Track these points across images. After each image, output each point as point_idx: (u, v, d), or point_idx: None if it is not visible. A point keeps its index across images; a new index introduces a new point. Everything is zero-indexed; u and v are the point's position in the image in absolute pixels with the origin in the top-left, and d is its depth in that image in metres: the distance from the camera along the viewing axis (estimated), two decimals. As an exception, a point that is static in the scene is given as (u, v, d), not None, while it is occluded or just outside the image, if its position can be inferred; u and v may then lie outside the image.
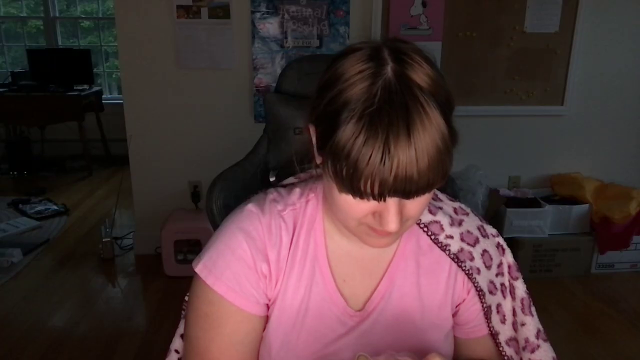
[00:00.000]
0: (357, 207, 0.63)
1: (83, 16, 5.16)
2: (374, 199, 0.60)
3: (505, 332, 0.84)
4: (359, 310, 0.77)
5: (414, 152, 0.56)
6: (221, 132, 2.80)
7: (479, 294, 0.81)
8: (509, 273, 0.85)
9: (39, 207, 3.61)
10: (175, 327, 0.91)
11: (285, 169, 1.12)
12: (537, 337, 0.84)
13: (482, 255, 0.81)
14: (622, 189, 2.75)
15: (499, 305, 0.84)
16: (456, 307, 0.83)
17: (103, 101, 4.79)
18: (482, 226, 0.84)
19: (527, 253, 2.68)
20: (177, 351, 0.90)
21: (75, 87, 4.46)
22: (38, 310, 2.41)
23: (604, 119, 2.94)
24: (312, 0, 2.63)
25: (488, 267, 0.82)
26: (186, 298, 0.83)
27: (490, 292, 0.82)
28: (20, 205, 3.64)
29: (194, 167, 2.86)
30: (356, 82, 0.59)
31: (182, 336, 0.89)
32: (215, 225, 0.97)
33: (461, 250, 0.80)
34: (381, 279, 0.78)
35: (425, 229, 0.81)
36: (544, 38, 2.73)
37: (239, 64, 2.72)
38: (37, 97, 4.23)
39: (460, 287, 0.81)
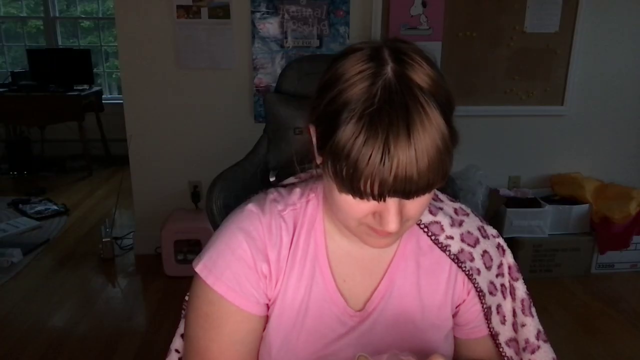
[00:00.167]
0: (357, 207, 0.63)
1: (83, 16, 5.16)
2: (374, 199, 0.60)
3: (505, 332, 0.84)
4: (359, 311, 0.77)
5: (413, 152, 0.56)
6: (221, 132, 2.80)
7: (479, 295, 0.81)
8: (509, 274, 0.85)
9: (39, 207, 3.61)
10: (176, 327, 0.91)
11: (285, 169, 1.12)
12: (538, 338, 0.84)
13: (483, 256, 0.81)
14: (622, 189, 2.75)
15: (499, 306, 0.84)
16: (456, 307, 0.83)
17: (103, 101, 4.79)
18: (482, 227, 0.84)
19: (527, 253, 2.68)
20: (177, 351, 0.90)
21: (75, 87, 4.46)
22: (38, 310, 2.41)
23: (604, 119, 2.94)
24: (312, 0, 2.63)
25: (488, 268, 0.82)
26: (186, 298, 0.83)
27: (491, 293, 0.82)
28: (20, 205, 3.64)
29: (194, 167, 2.86)
30: (356, 82, 0.59)
31: (182, 336, 0.88)
32: (215, 225, 0.97)
33: (461, 251, 0.80)
34: (381, 279, 0.78)
35: (426, 230, 0.81)
36: (544, 38, 2.73)
37: (239, 64, 2.72)
38: (37, 97, 4.23)
39: (460, 288, 0.81)
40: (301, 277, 0.75)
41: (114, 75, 5.25)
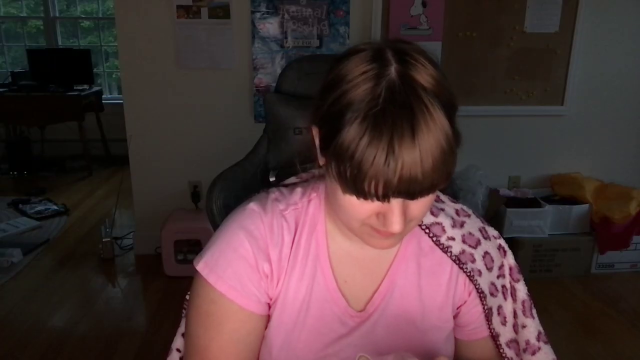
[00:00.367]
0: (360, 208, 0.63)
1: (83, 16, 5.16)
2: (378, 199, 0.60)
3: (505, 334, 0.84)
4: (360, 311, 0.77)
5: (418, 152, 0.56)
6: (221, 132, 2.80)
7: (480, 296, 0.81)
8: (510, 275, 0.85)
9: (39, 207, 3.61)
10: (176, 326, 0.91)
11: (285, 169, 1.12)
12: (538, 339, 0.84)
13: (484, 257, 0.81)
14: (622, 189, 2.75)
15: (499, 307, 0.84)
16: (457, 308, 0.83)
17: (103, 101, 4.79)
18: (483, 228, 0.84)
19: (527, 253, 2.68)
20: (178, 350, 0.90)
21: (75, 87, 4.46)
22: (38, 310, 2.41)
23: (604, 119, 2.94)
24: (312, 0, 2.63)
25: (489, 269, 0.82)
26: (187, 297, 0.83)
27: (491, 294, 0.82)
28: (20, 205, 3.64)
29: (194, 167, 2.86)
30: (360, 83, 0.59)
31: (183, 335, 0.88)
32: (215, 225, 0.97)
33: (463, 252, 0.80)
34: (382, 280, 0.78)
35: (427, 231, 0.80)
36: (544, 38, 2.73)
37: (239, 64, 2.72)
38: (37, 97, 4.23)
39: (461, 289, 0.81)
40: (302, 277, 0.75)
41: (114, 75, 5.25)
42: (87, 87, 4.54)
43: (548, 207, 2.71)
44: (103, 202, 3.86)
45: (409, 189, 0.59)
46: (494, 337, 0.84)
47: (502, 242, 0.85)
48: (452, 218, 0.82)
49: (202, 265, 0.74)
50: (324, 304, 0.75)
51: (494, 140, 2.90)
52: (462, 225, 0.82)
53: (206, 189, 1.00)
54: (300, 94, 1.11)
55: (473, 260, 0.80)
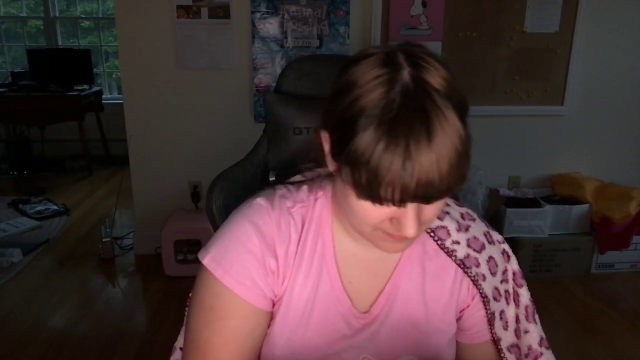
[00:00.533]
0: (374, 213, 0.63)
1: (83, 16, 5.17)
2: (394, 205, 0.60)
3: (507, 338, 0.84)
4: (364, 312, 0.77)
5: (434, 156, 0.56)
6: (221, 132, 2.80)
7: (483, 301, 0.81)
8: (513, 280, 0.85)
9: (39, 207, 3.61)
10: (177, 326, 0.91)
11: (286, 169, 1.12)
12: (540, 344, 0.84)
13: (488, 261, 0.81)
14: (622, 189, 2.75)
15: (502, 312, 0.84)
16: (460, 312, 0.83)
17: (103, 101, 4.79)
18: (488, 232, 0.84)
19: (527, 253, 2.68)
20: (182, 349, 0.90)
21: (75, 87, 4.46)
22: (38, 310, 2.41)
23: (604, 119, 2.94)
24: (312, 0, 2.63)
25: (493, 274, 0.82)
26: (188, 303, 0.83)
27: (495, 299, 0.82)
28: (20, 205, 3.64)
29: (194, 167, 2.86)
30: (372, 88, 0.59)
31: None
32: (215, 225, 0.97)
33: (467, 256, 0.80)
34: (387, 282, 0.78)
35: (432, 234, 0.80)
36: (544, 38, 2.73)
37: (239, 64, 2.72)
38: (37, 97, 4.23)
39: (465, 293, 0.81)
40: (308, 275, 0.75)
41: (114, 75, 5.25)
42: (87, 87, 4.55)
43: (548, 207, 2.71)
44: (103, 202, 3.86)
45: (426, 194, 0.58)
46: (496, 341, 0.84)
47: (506, 246, 0.85)
48: (458, 222, 0.82)
49: (208, 260, 0.73)
50: (328, 303, 0.75)
51: (494, 140, 2.90)
52: (467, 229, 0.82)
53: (206, 189, 1.00)
54: (300, 94, 1.11)
55: (477, 265, 0.80)
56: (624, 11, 2.78)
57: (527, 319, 0.84)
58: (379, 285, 0.78)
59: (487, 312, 0.82)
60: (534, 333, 0.84)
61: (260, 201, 0.76)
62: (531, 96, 2.82)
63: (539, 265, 2.72)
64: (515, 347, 0.85)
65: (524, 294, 0.85)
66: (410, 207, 0.61)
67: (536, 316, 0.85)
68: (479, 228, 0.83)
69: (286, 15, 2.64)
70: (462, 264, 0.80)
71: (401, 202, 0.59)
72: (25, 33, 5.13)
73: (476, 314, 0.82)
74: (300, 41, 2.68)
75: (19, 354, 2.09)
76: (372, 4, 2.65)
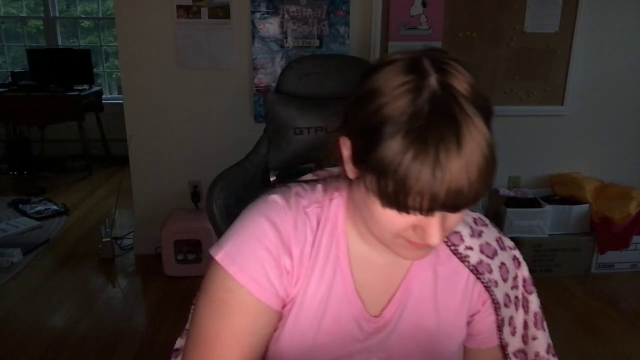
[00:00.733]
0: (398, 221, 0.62)
1: (83, 16, 5.17)
2: (422, 214, 0.59)
3: (514, 344, 0.84)
4: (376, 316, 0.76)
5: (464, 164, 0.55)
6: (221, 132, 2.80)
7: (495, 307, 0.80)
8: (523, 287, 0.85)
9: (39, 207, 3.61)
10: (177, 325, 0.91)
11: (286, 169, 1.12)
12: (548, 352, 0.84)
13: (500, 268, 0.81)
14: (622, 189, 2.75)
15: (511, 318, 0.84)
16: (470, 317, 0.83)
17: (103, 101, 4.79)
18: (500, 238, 0.84)
19: (527, 253, 2.68)
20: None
21: (75, 87, 4.46)
22: (38, 310, 2.41)
23: (604, 119, 2.94)
24: (312, 0, 2.63)
25: (505, 280, 0.81)
26: (194, 302, 0.82)
27: (505, 305, 0.82)
28: (20, 205, 3.64)
29: (194, 167, 2.86)
30: (398, 95, 0.58)
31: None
32: (216, 225, 0.97)
33: (480, 262, 0.80)
34: (398, 286, 0.78)
35: (445, 239, 0.79)
36: (544, 38, 2.73)
37: (239, 64, 2.72)
38: (37, 97, 4.23)
39: (476, 299, 0.81)
40: (322, 277, 0.74)
41: (114, 75, 5.25)
42: (87, 87, 4.55)
43: (548, 207, 2.71)
44: (103, 202, 3.86)
45: (455, 202, 0.57)
46: (503, 347, 0.84)
47: (517, 253, 0.85)
48: (471, 227, 0.82)
49: (222, 255, 0.71)
50: (341, 305, 0.74)
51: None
52: (480, 234, 0.81)
53: (206, 189, 1.00)
54: (301, 94, 1.11)
55: (490, 271, 0.80)
56: (624, 11, 2.78)
57: (535, 326, 0.84)
58: (391, 290, 0.78)
59: (497, 319, 0.81)
60: (542, 340, 0.84)
61: (276, 198, 0.74)
62: (531, 96, 2.82)
63: (539, 265, 2.72)
64: (521, 353, 0.85)
65: (534, 301, 0.85)
66: (436, 216, 0.60)
67: (544, 323, 0.85)
68: (491, 234, 0.83)
69: (286, 15, 2.64)
70: (476, 270, 0.79)
71: (429, 211, 0.58)
72: (25, 33, 5.13)
73: (486, 320, 0.82)
74: (300, 41, 2.68)
75: (19, 354, 2.09)
76: (372, 4, 2.65)
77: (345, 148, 0.66)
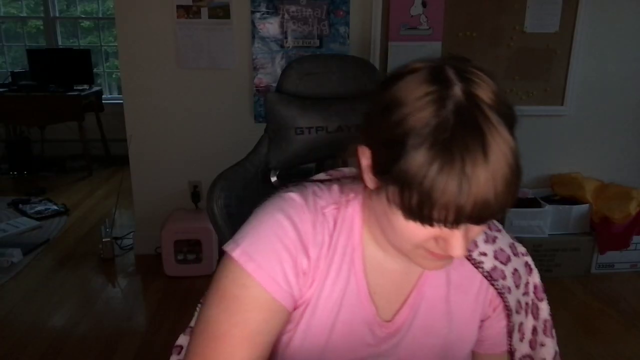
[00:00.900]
0: (420, 232, 0.60)
1: (83, 16, 5.16)
2: (446, 226, 0.58)
3: (521, 349, 0.84)
4: (388, 321, 0.76)
5: (491, 175, 0.54)
6: (221, 132, 2.80)
7: (507, 313, 0.80)
8: (534, 293, 0.85)
9: (39, 207, 3.61)
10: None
11: (287, 169, 1.12)
12: (554, 359, 0.85)
13: (513, 274, 0.81)
14: (622, 189, 2.75)
15: (521, 324, 0.83)
16: (480, 322, 0.83)
17: (103, 101, 4.79)
18: (513, 244, 0.84)
19: (527, 253, 2.68)
20: (181, 346, 0.89)
21: (75, 87, 4.46)
22: (38, 310, 2.41)
23: (604, 119, 2.94)
24: (312, 0, 2.63)
25: (517, 286, 0.81)
26: (201, 301, 0.81)
27: (516, 312, 0.82)
28: (20, 205, 3.64)
29: (194, 167, 2.86)
30: (422, 106, 0.56)
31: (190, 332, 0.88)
32: (216, 225, 0.97)
33: (494, 268, 0.79)
34: (411, 292, 0.77)
35: None
36: (544, 38, 2.73)
37: (239, 64, 2.72)
38: (37, 97, 4.23)
39: (487, 304, 0.81)
40: (337, 281, 0.73)
41: (114, 75, 5.25)
42: (87, 87, 4.54)
43: (548, 207, 2.71)
44: (103, 202, 3.86)
45: (480, 214, 0.56)
46: (511, 352, 0.84)
47: (528, 259, 0.85)
48: (485, 232, 0.81)
49: (239, 252, 0.69)
50: (354, 309, 0.73)
51: (494, 140, 2.89)
52: (494, 240, 0.81)
53: (206, 189, 1.00)
54: (301, 94, 1.11)
55: (504, 277, 0.79)
56: (624, 11, 2.77)
57: (544, 333, 0.84)
58: (403, 295, 0.77)
59: (509, 325, 0.81)
60: (549, 347, 0.84)
61: (294, 196, 0.73)
62: (531, 96, 2.82)
63: (539, 265, 2.67)
64: (527, 358, 0.85)
65: (544, 308, 0.84)
66: (460, 228, 0.59)
67: (553, 331, 0.85)
68: (505, 239, 0.83)
69: (286, 15, 2.64)
70: (490, 277, 0.79)
71: (454, 223, 0.57)
72: (25, 33, 5.13)
73: (496, 325, 0.82)
74: (300, 41, 2.68)
75: (19, 354, 2.09)
76: (372, 4, 2.65)
77: (365, 158, 0.65)
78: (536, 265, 0.87)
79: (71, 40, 5.16)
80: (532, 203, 2.74)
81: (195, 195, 2.87)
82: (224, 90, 2.76)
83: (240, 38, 2.68)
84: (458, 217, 0.56)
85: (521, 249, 0.85)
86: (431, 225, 0.58)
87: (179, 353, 0.89)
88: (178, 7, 2.61)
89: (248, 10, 2.64)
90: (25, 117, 4.32)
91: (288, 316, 0.71)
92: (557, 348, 0.85)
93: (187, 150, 2.84)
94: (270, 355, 0.71)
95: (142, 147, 2.81)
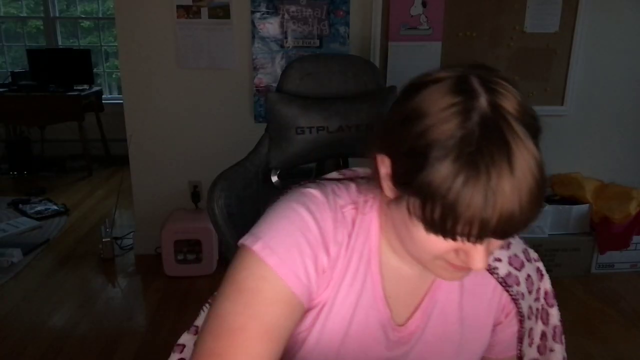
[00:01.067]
0: (441, 245, 0.59)
1: (83, 16, 5.16)
2: (469, 241, 0.57)
3: (529, 354, 0.84)
4: (401, 325, 0.75)
5: (517, 189, 0.53)
6: (221, 132, 2.80)
7: (520, 320, 0.80)
8: (545, 299, 0.85)
9: (39, 207, 3.61)
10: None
11: (288, 168, 1.12)
12: None
13: (527, 280, 0.80)
14: (622, 189, 2.75)
15: (531, 330, 0.83)
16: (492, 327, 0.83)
17: (103, 101, 4.79)
18: (526, 250, 0.83)
19: (527, 253, 2.68)
20: (182, 345, 0.89)
21: (75, 87, 4.46)
22: (38, 310, 2.41)
23: (604, 119, 2.94)
24: (312, 0, 2.63)
25: (530, 292, 0.81)
26: (210, 301, 0.80)
27: (528, 317, 0.82)
28: (20, 205, 3.64)
29: (194, 167, 2.86)
30: (447, 117, 0.55)
31: (194, 331, 0.88)
32: (217, 224, 0.97)
33: (509, 274, 0.79)
34: (424, 297, 0.77)
35: None
36: (544, 38, 2.74)
37: (239, 64, 2.72)
38: (37, 97, 4.23)
39: (500, 310, 0.81)
40: (353, 282, 0.71)
41: (114, 75, 5.25)
42: (87, 87, 4.54)
43: (548, 207, 2.71)
44: (103, 202, 3.86)
45: (505, 229, 0.55)
46: (520, 357, 0.84)
47: (540, 265, 0.84)
48: None
49: (260, 245, 0.66)
50: (369, 312, 0.73)
51: (494, 140, 2.90)
52: (508, 246, 0.81)
53: (206, 189, 1.00)
54: (302, 94, 1.11)
55: (518, 283, 0.79)
56: (624, 11, 2.78)
57: (554, 339, 0.84)
58: (417, 300, 0.76)
59: (521, 330, 0.81)
60: (558, 353, 0.84)
61: (315, 192, 0.71)
62: (531, 96, 2.82)
63: (539, 265, 2.71)
64: None
65: (554, 314, 0.85)
66: (483, 242, 0.58)
67: (563, 337, 0.85)
68: (518, 245, 0.82)
69: (286, 15, 2.64)
70: (504, 282, 0.78)
71: (478, 238, 0.56)
72: (25, 33, 5.13)
73: (507, 330, 0.82)
74: (300, 41, 2.68)
75: (19, 354, 2.09)
76: (372, 4, 2.65)
77: (384, 166, 0.64)
78: (537, 266, 0.87)
79: (71, 40, 5.16)
80: (532, 203, 2.74)
81: (195, 195, 2.87)
82: (224, 90, 2.76)
83: (240, 38, 2.68)
84: (482, 232, 0.55)
85: (533, 254, 0.84)
86: (454, 239, 0.57)
87: (181, 351, 0.88)
88: (178, 7, 2.61)
89: (248, 10, 2.64)
90: (25, 117, 4.32)
91: (303, 313, 0.69)
92: (565, 354, 0.85)
93: (187, 150, 2.84)
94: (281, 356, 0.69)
95: (142, 147, 2.81)
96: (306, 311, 0.70)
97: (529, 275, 0.81)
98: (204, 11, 2.63)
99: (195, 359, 0.64)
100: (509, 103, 0.56)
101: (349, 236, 0.71)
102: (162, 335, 2.21)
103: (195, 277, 2.67)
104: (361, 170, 0.79)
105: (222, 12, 2.64)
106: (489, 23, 2.70)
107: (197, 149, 2.83)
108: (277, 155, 1.09)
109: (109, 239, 2.91)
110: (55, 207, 3.63)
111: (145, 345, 2.16)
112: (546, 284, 0.85)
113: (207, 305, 0.88)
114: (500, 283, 0.78)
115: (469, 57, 2.74)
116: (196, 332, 0.89)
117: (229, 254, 1.00)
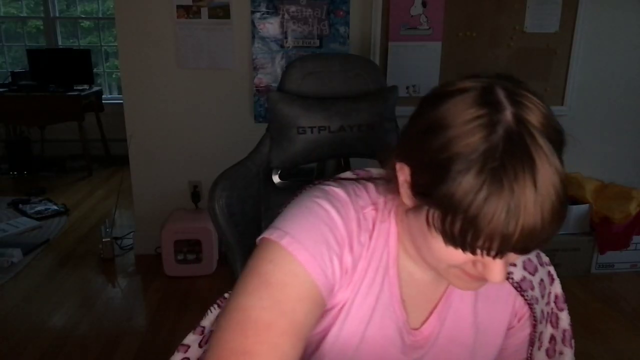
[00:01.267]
0: (458, 257, 0.58)
1: (83, 16, 5.16)
2: (489, 255, 0.56)
3: (538, 357, 0.84)
4: (415, 329, 0.75)
5: (539, 205, 0.52)
6: (221, 132, 2.80)
7: (534, 323, 0.80)
8: (555, 303, 0.85)
9: (39, 207, 3.61)
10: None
11: (289, 168, 1.12)
12: None
13: (540, 284, 0.81)
14: (622, 189, 2.75)
15: (541, 334, 0.83)
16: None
17: (103, 101, 4.79)
18: (539, 254, 0.83)
19: (527, 253, 2.68)
20: (184, 345, 0.89)
21: (75, 87, 4.46)
22: (38, 310, 2.41)
23: (604, 119, 2.94)
24: (312, 0, 2.63)
25: (542, 296, 0.81)
26: (226, 295, 0.79)
27: (540, 321, 0.82)
28: (20, 205, 3.64)
29: (194, 167, 2.86)
30: (471, 130, 0.54)
31: (200, 331, 0.88)
32: (218, 224, 0.97)
33: (523, 279, 0.79)
34: (438, 301, 0.76)
35: None
36: (544, 38, 2.74)
37: (239, 64, 2.72)
38: (37, 97, 4.23)
39: (513, 314, 0.81)
40: (372, 284, 0.71)
41: (114, 75, 5.25)
42: (87, 87, 4.54)
43: (548, 207, 2.71)
44: (103, 202, 3.86)
45: (526, 245, 0.55)
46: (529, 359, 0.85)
47: (551, 269, 0.84)
48: None
49: (288, 239, 0.64)
50: (386, 315, 0.72)
51: (494, 140, 2.90)
52: None
53: (206, 189, 1.00)
54: (304, 93, 1.11)
55: (532, 288, 0.79)
56: (624, 11, 2.78)
57: (563, 342, 0.84)
58: (431, 304, 0.76)
59: (534, 335, 0.81)
60: (566, 357, 0.84)
61: (338, 191, 0.70)
62: (531, 96, 2.82)
63: (539, 265, 2.71)
64: None
65: (564, 318, 0.84)
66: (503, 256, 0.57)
67: (572, 341, 0.84)
68: None
69: (286, 15, 2.64)
70: (519, 287, 0.78)
71: (498, 253, 0.55)
72: (25, 33, 5.13)
73: (519, 334, 0.82)
74: (300, 41, 2.68)
75: (19, 354, 2.09)
76: (372, 4, 2.65)
77: (402, 174, 0.63)
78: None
79: (71, 40, 5.16)
80: (532, 203, 2.74)
81: (196, 195, 2.87)
82: (224, 90, 2.76)
83: (240, 38, 2.68)
84: (503, 247, 0.54)
85: (545, 258, 0.84)
86: (474, 253, 0.56)
87: (185, 352, 0.88)
88: (178, 7, 2.61)
89: (248, 10, 2.64)
90: (25, 117, 4.32)
91: (322, 313, 0.67)
92: (573, 358, 0.85)
93: (187, 150, 2.84)
94: None
95: (142, 147, 2.81)
96: (324, 311, 0.68)
97: (541, 280, 0.81)
98: (204, 11, 2.63)
99: (217, 356, 0.60)
100: (534, 117, 0.55)
101: (370, 238, 0.70)
102: (162, 335, 2.21)
103: (195, 277, 2.67)
104: (375, 171, 0.78)
105: (222, 12, 2.64)
106: (489, 23, 2.70)
107: (197, 149, 2.83)
108: (279, 155, 1.09)
109: (109, 239, 2.91)
110: (55, 207, 3.62)
111: (145, 345, 2.15)
112: (557, 288, 0.85)
113: (215, 306, 0.87)
114: (515, 288, 0.78)
115: (469, 57, 2.74)
116: (202, 333, 0.89)
117: (229, 253, 1.00)
